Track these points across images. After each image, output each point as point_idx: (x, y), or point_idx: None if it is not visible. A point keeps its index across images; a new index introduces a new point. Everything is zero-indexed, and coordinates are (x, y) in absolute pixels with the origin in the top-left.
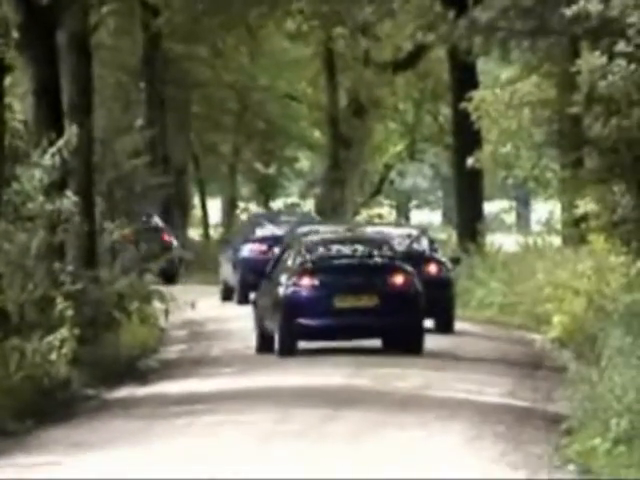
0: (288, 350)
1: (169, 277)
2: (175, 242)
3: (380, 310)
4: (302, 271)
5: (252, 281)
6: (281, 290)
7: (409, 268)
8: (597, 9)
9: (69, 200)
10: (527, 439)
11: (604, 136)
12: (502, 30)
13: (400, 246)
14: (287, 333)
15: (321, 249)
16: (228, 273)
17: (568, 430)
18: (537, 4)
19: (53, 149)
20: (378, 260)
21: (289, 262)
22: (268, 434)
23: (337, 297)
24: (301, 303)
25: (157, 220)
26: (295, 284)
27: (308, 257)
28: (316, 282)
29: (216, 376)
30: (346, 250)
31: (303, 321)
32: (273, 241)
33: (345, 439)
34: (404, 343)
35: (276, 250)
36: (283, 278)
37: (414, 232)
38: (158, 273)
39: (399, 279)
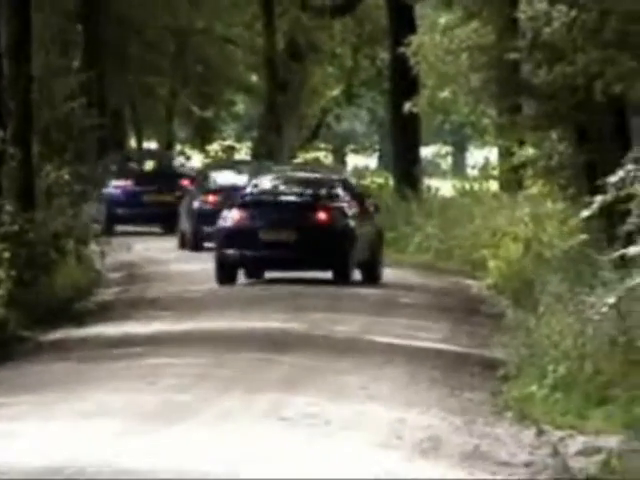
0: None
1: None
2: None
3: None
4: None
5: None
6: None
7: (332, 205)
8: None
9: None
10: (463, 385)
11: (547, 82)
12: None
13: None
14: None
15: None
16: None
17: (505, 376)
18: None
19: None
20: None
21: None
22: (203, 379)
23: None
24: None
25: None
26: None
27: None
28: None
29: (152, 319)
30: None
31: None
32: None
33: (277, 385)
34: (333, 274)
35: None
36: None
37: (334, 177)
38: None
39: (320, 215)
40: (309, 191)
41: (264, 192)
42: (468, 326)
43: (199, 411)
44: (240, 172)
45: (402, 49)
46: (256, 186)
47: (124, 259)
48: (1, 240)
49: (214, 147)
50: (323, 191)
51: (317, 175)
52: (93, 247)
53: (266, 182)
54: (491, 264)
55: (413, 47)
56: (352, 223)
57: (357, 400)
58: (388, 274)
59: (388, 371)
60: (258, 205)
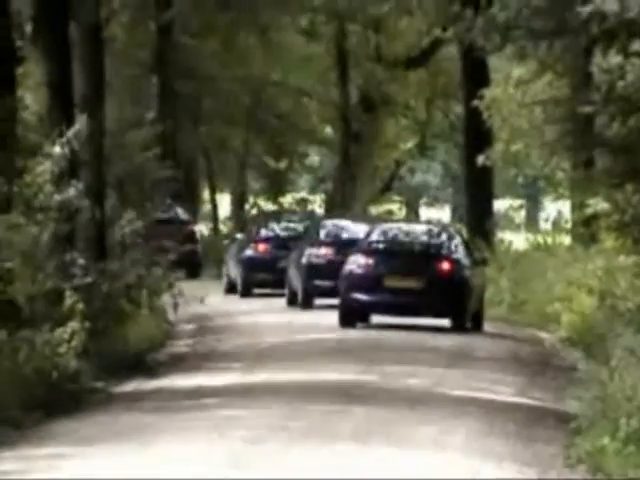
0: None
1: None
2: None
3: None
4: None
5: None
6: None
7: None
8: (613, 9)
9: (76, 189)
10: (537, 438)
11: (621, 136)
12: (519, 29)
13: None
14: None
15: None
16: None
17: (578, 429)
18: (553, 3)
19: (63, 139)
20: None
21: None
22: (276, 430)
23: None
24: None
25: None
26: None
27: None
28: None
29: (225, 371)
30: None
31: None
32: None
33: (353, 436)
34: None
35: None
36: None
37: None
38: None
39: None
40: (431, 241)
41: (387, 241)
42: (542, 379)
43: (270, 463)
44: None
45: (475, 102)
46: (373, 235)
47: (197, 311)
48: (75, 291)
49: (287, 199)
50: (444, 242)
51: (432, 227)
52: (166, 299)
53: (384, 232)
54: (564, 317)
55: (486, 100)
56: (469, 274)
57: (431, 452)
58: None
59: (462, 423)
60: (384, 253)
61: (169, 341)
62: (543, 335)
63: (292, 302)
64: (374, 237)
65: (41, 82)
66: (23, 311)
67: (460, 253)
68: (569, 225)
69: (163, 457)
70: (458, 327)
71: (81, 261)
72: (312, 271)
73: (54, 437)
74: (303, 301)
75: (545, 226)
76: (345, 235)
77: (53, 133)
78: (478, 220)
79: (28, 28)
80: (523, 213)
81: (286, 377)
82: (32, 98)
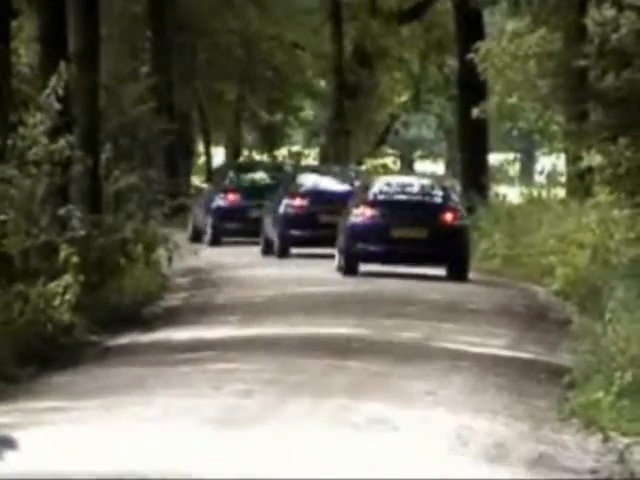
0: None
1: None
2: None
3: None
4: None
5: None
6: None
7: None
8: None
9: (67, 141)
10: (530, 392)
11: (615, 89)
12: None
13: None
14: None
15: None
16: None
17: (571, 383)
18: None
19: (48, 90)
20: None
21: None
22: (271, 384)
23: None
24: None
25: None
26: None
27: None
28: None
29: (220, 324)
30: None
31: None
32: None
33: (345, 391)
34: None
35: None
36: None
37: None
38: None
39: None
40: (432, 192)
41: (390, 193)
42: (535, 333)
43: (265, 417)
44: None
45: (470, 55)
46: (374, 187)
47: (193, 264)
48: (69, 244)
49: (282, 152)
50: (444, 193)
51: (428, 179)
52: (161, 252)
53: (384, 184)
54: (558, 271)
55: (481, 54)
56: (468, 224)
57: (424, 406)
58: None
59: (454, 377)
60: (389, 204)
61: (165, 294)
62: (537, 288)
63: (267, 252)
64: (375, 189)
65: (35, 35)
66: (17, 264)
67: (458, 203)
68: (563, 178)
69: (156, 411)
70: (460, 275)
71: (76, 213)
72: (289, 221)
73: (50, 391)
74: (280, 250)
75: (540, 179)
76: (321, 187)
77: (46, 86)
78: (473, 173)
79: None
80: (518, 166)
81: (281, 331)
82: (26, 51)
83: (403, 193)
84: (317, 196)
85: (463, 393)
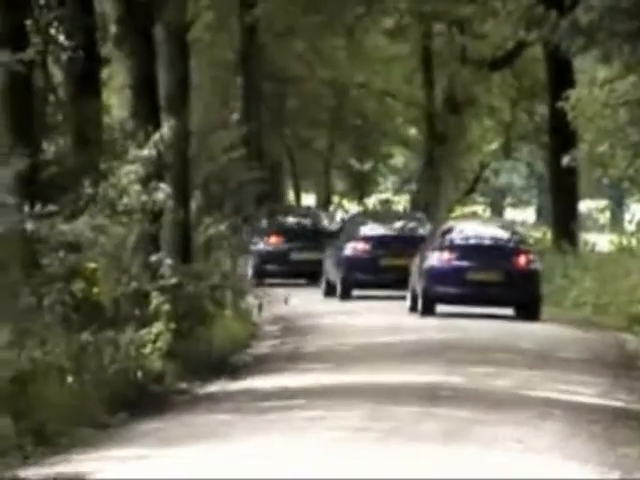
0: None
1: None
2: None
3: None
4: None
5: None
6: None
7: (530, 251)
8: None
9: (163, 191)
10: (622, 440)
11: None
12: (603, 31)
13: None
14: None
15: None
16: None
17: None
18: (637, 5)
19: (150, 142)
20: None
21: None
22: (360, 432)
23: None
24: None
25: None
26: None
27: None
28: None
29: (308, 372)
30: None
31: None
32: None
33: (437, 438)
34: (526, 313)
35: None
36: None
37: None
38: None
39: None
40: (505, 237)
41: (466, 237)
42: (626, 381)
43: (350, 464)
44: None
45: (561, 103)
46: (450, 232)
47: (280, 312)
48: (160, 292)
49: (372, 200)
50: (516, 237)
51: (500, 223)
52: (250, 300)
53: (459, 230)
54: None
55: (571, 101)
56: (540, 267)
57: (515, 453)
58: (545, 328)
59: (546, 425)
60: (464, 248)
61: (254, 342)
62: (626, 336)
63: (328, 293)
64: (452, 234)
65: (126, 84)
66: (107, 312)
67: (529, 248)
68: None
69: (242, 457)
70: (533, 317)
71: (167, 261)
72: (352, 264)
73: (139, 437)
74: (342, 293)
75: (630, 227)
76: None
77: (138, 135)
78: (563, 221)
79: (113, 29)
80: (608, 214)
81: (369, 378)
82: (117, 101)
83: (478, 238)
84: (378, 241)
85: (554, 440)
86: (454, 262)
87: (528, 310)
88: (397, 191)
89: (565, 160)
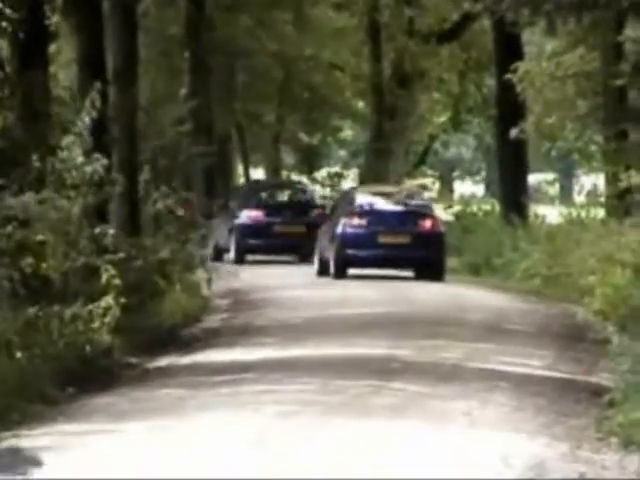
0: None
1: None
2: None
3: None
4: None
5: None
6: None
7: (435, 215)
8: None
9: (99, 162)
10: (569, 411)
11: None
12: (549, 3)
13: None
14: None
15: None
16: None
17: (610, 402)
18: None
19: (85, 110)
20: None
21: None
22: (310, 405)
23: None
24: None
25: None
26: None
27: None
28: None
29: (259, 345)
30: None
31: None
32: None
33: (386, 412)
34: (429, 274)
35: None
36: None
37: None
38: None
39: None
40: (411, 202)
41: (374, 203)
42: (574, 352)
43: (300, 438)
44: None
45: (509, 75)
46: (358, 199)
47: (232, 286)
48: (111, 267)
49: (321, 174)
50: (421, 202)
51: (407, 190)
52: (201, 274)
53: (369, 195)
54: (597, 291)
55: (519, 73)
56: (444, 230)
57: (463, 426)
58: (494, 299)
59: (493, 398)
60: (375, 214)
61: (204, 316)
62: (576, 309)
63: (322, 272)
64: (360, 201)
65: (73, 58)
66: (55, 286)
67: (434, 211)
68: (603, 198)
69: (194, 433)
70: (437, 277)
71: (112, 232)
72: (346, 241)
73: (89, 413)
74: (336, 271)
75: (579, 199)
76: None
77: (85, 109)
78: (512, 194)
79: (60, 2)
80: (557, 186)
81: (320, 352)
82: (65, 75)
83: (386, 203)
84: (376, 216)
85: (502, 413)
86: (365, 227)
87: (433, 271)
88: (346, 165)
89: (513, 132)
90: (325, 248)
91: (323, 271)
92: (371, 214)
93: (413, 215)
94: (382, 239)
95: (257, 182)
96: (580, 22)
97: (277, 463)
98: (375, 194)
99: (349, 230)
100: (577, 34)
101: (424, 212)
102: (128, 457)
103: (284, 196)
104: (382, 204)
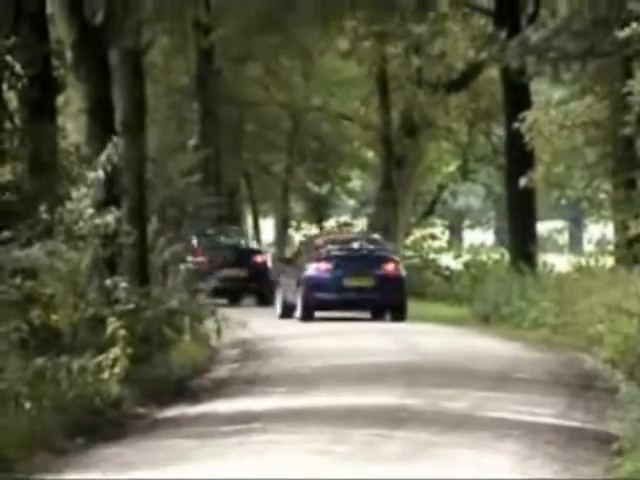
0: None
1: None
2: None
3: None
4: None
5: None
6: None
7: (397, 258)
8: None
9: (113, 214)
10: (578, 460)
11: None
12: (553, 51)
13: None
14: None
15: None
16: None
17: (619, 451)
18: (589, 26)
19: (98, 164)
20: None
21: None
22: (320, 454)
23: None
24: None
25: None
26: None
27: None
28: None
29: (268, 395)
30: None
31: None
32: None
33: (396, 459)
34: (392, 315)
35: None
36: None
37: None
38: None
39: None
40: (374, 247)
41: (338, 248)
42: (583, 401)
43: None
44: None
45: (517, 124)
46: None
47: (239, 336)
48: (117, 317)
49: (330, 223)
50: (382, 247)
51: (366, 236)
52: (209, 324)
53: (330, 242)
54: (606, 339)
55: (528, 122)
56: (404, 274)
57: (472, 474)
58: (503, 348)
59: (503, 446)
60: (340, 258)
61: (213, 366)
62: (585, 357)
63: (285, 315)
64: (326, 246)
65: (81, 109)
66: (65, 338)
67: (395, 255)
68: (612, 247)
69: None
70: (399, 318)
71: (123, 285)
72: (313, 285)
73: (97, 463)
74: (304, 313)
75: (589, 248)
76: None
77: (94, 160)
78: (521, 242)
79: (68, 54)
80: (566, 235)
81: (329, 401)
82: (73, 125)
83: (350, 249)
84: (341, 260)
85: (512, 461)
86: (331, 271)
87: (396, 312)
88: (355, 214)
89: (522, 181)
90: (289, 292)
91: (286, 314)
92: (336, 259)
93: (376, 259)
94: (347, 282)
95: None
96: (584, 69)
97: None
98: (335, 241)
99: (316, 274)
100: (584, 83)
101: (387, 256)
102: None
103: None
104: (346, 249)
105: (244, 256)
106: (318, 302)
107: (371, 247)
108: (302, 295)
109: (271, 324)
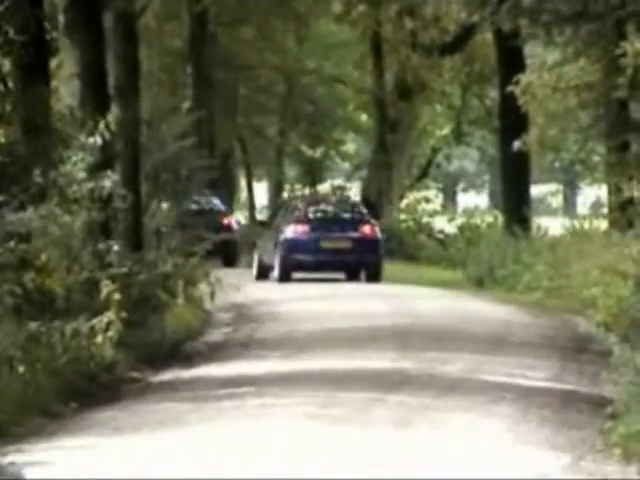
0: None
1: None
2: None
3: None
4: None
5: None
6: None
7: (374, 221)
8: None
9: (110, 178)
10: (571, 423)
11: None
12: (546, 13)
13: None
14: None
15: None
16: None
17: (613, 414)
18: None
19: (97, 130)
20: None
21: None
22: (314, 418)
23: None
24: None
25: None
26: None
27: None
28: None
29: (261, 359)
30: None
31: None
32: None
33: (390, 423)
34: (368, 276)
35: None
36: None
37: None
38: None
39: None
40: (350, 210)
41: (317, 211)
42: (577, 364)
43: (307, 451)
44: None
45: (511, 87)
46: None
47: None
48: (111, 281)
49: (324, 186)
50: (359, 210)
51: (344, 199)
52: (203, 287)
53: (310, 204)
54: (600, 302)
55: (522, 85)
56: (380, 236)
57: (466, 438)
58: (497, 312)
59: (497, 409)
60: (317, 221)
61: (206, 330)
62: (579, 320)
63: (262, 276)
64: (304, 209)
65: (75, 73)
66: (58, 301)
67: (370, 217)
68: (606, 210)
69: (197, 446)
70: (375, 279)
71: (116, 248)
72: (291, 246)
73: (91, 427)
74: (282, 275)
75: (583, 211)
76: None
77: (87, 124)
78: (515, 205)
79: (61, 18)
80: (560, 198)
81: (322, 364)
82: (66, 89)
83: (327, 211)
84: (318, 223)
85: (505, 424)
86: (308, 233)
87: (371, 274)
88: (349, 177)
89: (516, 144)
90: (266, 253)
91: (262, 275)
92: (314, 221)
93: (353, 222)
94: (324, 244)
95: None
96: (578, 33)
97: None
98: (313, 204)
99: (293, 236)
100: (578, 46)
101: (363, 219)
102: (110, 469)
103: None
104: (323, 212)
105: (210, 219)
106: (296, 263)
107: (348, 210)
108: (280, 256)
109: (255, 287)
